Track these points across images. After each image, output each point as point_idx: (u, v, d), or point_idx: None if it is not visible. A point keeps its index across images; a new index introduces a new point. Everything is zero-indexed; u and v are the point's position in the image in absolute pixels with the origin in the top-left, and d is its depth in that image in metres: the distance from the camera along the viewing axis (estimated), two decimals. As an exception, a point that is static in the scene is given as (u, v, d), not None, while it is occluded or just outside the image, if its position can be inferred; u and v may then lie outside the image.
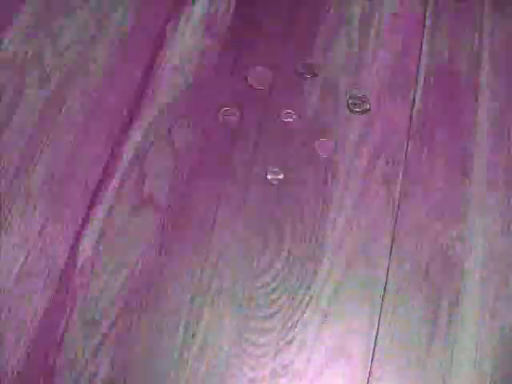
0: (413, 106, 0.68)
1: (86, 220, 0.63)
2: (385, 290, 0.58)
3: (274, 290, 0.59)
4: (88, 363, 0.56)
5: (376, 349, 0.56)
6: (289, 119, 0.68)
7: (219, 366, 0.56)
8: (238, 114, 0.69)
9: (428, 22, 0.74)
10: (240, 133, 0.67)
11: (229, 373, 0.55)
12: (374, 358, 0.56)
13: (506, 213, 0.62)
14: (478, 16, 0.74)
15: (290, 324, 0.57)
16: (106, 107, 0.70)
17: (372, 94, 0.69)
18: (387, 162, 0.65)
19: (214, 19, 0.76)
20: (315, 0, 0.76)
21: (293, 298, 0.58)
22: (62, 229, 0.62)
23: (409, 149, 0.66)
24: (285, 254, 0.60)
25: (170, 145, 0.67)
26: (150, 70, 0.72)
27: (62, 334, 0.57)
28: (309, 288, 0.59)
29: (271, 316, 0.58)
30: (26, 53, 0.73)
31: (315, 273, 0.59)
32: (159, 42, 0.74)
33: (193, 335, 0.57)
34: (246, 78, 0.71)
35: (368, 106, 0.67)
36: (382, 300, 0.58)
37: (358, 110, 0.66)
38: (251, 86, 0.70)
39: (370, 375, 0.55)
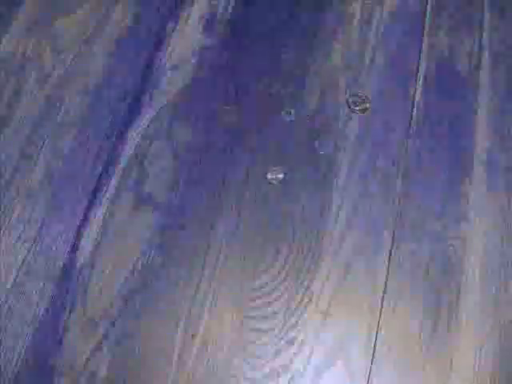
0: (413, 105, 0.68)
1: (85, 220, 0.63)
2: (385, 290, 0.58)
3: (273, 289, 0.59)
4: (88, 363, 0.56)
5: (376, 349, 0.56)
6: (289, 118, 0.68)
7: (219, 366, 0.56)
8: (238, 113, 0.68)
9: (428, 22, 0.74)
10: (240, 132, 0.67)
11: (229, 373, 0.55)
12: (374, 358, 0.56)
13: (506, 213, 0.62)
14: (478, 15, 0.74)
15: (289, 324, 0.57)
16: (106, 106, 0.70)
17: (372, 94, 0.69)
18: (387, 162, 0.65)
19: (213, 19, 0.76)
20: (315, -1, 0.76)
21: (292, 298, 0.58)
22: (62, 229, 0.62)
23: (409, 148, 0.66)
24: (284, 253, 0.60)
25: (169, 145, 0.67)
26: (149, 69, 0.72)
27: (62, 334, 0.57)
28: (309, 288, 0.59)
29: (271, 316, 0.58)
30: (25, 52, 0.73)
31: (315, 273, 0.59)
32: (159, 42, 0.74)
33: (192, 335, 0.57)
34: (246, 78, 0.71)
35: (368, 105, 0.67)
36: (382, 300, 0.58)
37: (358, 108, 0.66)
38: (251, 85, 0.70)
39: (369, 375, 0.55)
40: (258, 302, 0.58)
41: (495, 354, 0.55)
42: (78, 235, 0.62)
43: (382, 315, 0.57)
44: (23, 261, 0.61)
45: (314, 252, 0.60)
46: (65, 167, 0.66)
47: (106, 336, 0.57)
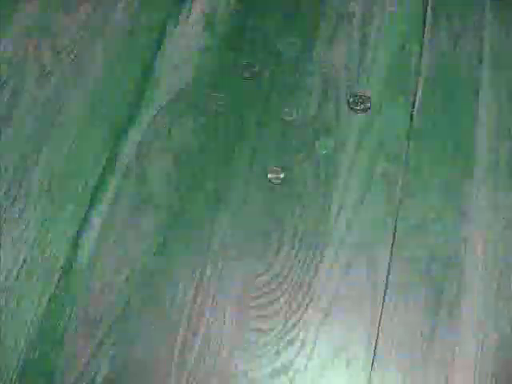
0: (413, 105, 0.68)
1: (85, 220, 0.63)
2: (385, 289, 0.58)
3: (274, 289, 0.59)
4: (88, 363, 0.56)
5: (376, 348, 0.56)
6: (289, 118, 0.68)
7: (219, 366, 0.56)
8: (238, 113, 0.68)
9: (428, 22, 0.74)
10: (240, 132, 0.67)
11: (229, 373, 0.55)
12: (375, 358, 0.56)
13: (507, 213, 0.62)
14: (478, 15, 0.74)
15: (290, 324, 0.57)
16: (106, 107, 0.70)
17: (372, 94, 0.69)
18: (387, 162, 0.65)
19: (213, 18, 0.76)
20: None
21: (293, 298, 0.58)
22: (62, 228, 0.62)
23: (409, 149, 0.66)
24: (285, 253, 0.60)
25: (169, 145, 0.67)
26: (149, 69, 0.72)
27: (62, 334, 0.57)
28: (309, 288, 0.59)
29: (271, 316, 0.58)
30: (25, 52, 0.73)
31: (315, 272, 0.59)
32: (159, 42, 0.74)
33: (193, 335, 0.57)
34: (246, 78, 0.71)
35: (369, 105, 0.67)
36: (383, 300, 0.58)
37: (358, 108, 0.66)
38: (251, 85, 0.70)
39: (370, 375, 0.55)
40: (259, 301, 0.58)
41: (496, 354, 0.55)
42: (78, 235, 0.62)
43: (383, 315, 0.57)
44: (23, 261, 0.60)
45: (314, 252, 0.60)
46: (65, 167, 0.66)
47: (106, 336, 0.57)
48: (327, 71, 0.71)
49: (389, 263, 0.60)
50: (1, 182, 0.65)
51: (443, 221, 0.62)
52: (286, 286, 0.59)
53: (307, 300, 0.58)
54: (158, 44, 0.74)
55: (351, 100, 0.66)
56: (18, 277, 0.60)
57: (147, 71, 0.72)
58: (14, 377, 0.55)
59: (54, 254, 0.61)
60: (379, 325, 0.57)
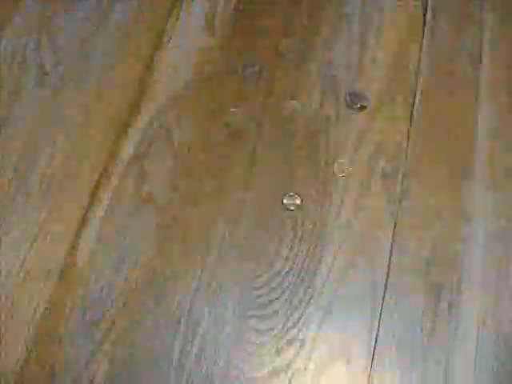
0: (413, 105, 0.68)
1: (85, 219, 0.63)
2: (385, 289, 0.58)
3: (273, 289, 0.59)
4: (88, 363, 0.56)
5: (376, 348, 0.56)
6: (289, 116, 0.68)
7: (219, 366, 0.56)
8: (238, 112, 0.68)
9: (428, 22, 0.74)
10: (240, 132, 0.67)
11: (229, 373, 0.55)
12: (375, 357, 0.56)
13: (507, 213, 0.62)
14: (478, 15, 0.74)
15: (290, 323, 0.57)
16: (106, 106, 0.70)
17: (372, 94, 0.69)
18: (387, 162, 0.65)
19: (214, 17, 0.76)
20: (315, -1, 0.76)
21: (293, 298, 0.58)
22: (62, 228, 0.62)
23: (409, 149, 0.66)
24: (285, 253, 0.60)
25: (169, 144, 0.67)
26: (149, 68, 0.72)
27: (62, 334, 0.57)
28: (309, 287, 0.59)
29: (271, 315, 0.58)
30: (25, 51, 0.73)
31: (315, 272, 0.59)
32: (159, 41, 0.74)
33: (192, 335, 0.57)
34: (246, 77, 0.71)
35: (366, 103, 0.67)
36: (382, 299, 0.58)
37: (355, 106, 0.66)
38: (251, 85, 0.70)
39: (370, 374, 0.55)
40: (259, 301, 0.58)
41: (496, 354, 0.55)
42: (78, 235, 0.62)
43: (383, 314, 0.57)
44: (23, 261, 0.60)
45: (314, 251, 0.60)
46: (65, 167, 0.66)
47: (106, 336, 0.57)
48: (327, 71, 0.71)
49: (388, 263, 0.60)
50: (0, 181, 0.65)
51: (443, 221, 0.62)
52: (285, 286, 0.59)
53: (307, 299, 0.58)
54: (159, 44, 0.74)
55: (348, 99, 0.66)
56: (17, 276, 0.60)
57: (147, 71, 0.72)
58: (14, 376, 0.55)
59: (54, 254, 0.61)
60: (379, 324, 0.57)
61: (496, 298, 0.58)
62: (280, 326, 0.57)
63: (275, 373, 0.55)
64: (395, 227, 0.61)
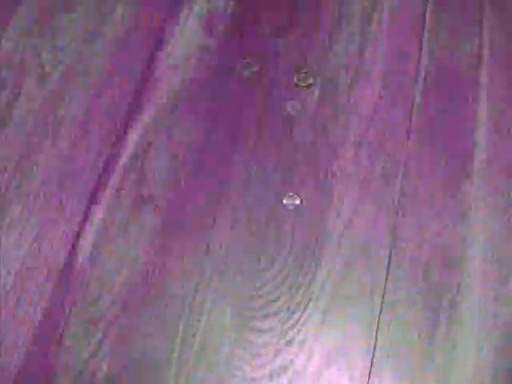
0: (413, 105, 0.68)
1: (85, 219, 0.63)
2: (385, 289, 0.58)
3: (273, 289, 0.59)
4: (88, 363, 0.56)
5: (376, 348, 0.56)
6: (289, 115, 0.68)
7: (219, 366, 0.56)
8: (237, 112, 0.68)
9: (428, 22, 0.74)
10: (240, 131, 0.67)
11: (229, 373, 0.55)
12: (374, 358, 0.56)
13: (506, 213, 0.62)
14: (477, 15, 0.74)
15: (289, 324, 0.57)
16: (106, 106, 0.70)
17: (372, 94, 0.69)
18: (387, 162, 0.65)
19: (213, 18, 0.76)
20: (315, -1, 0.76)
21: (292, 298, 0.58)
22: (62, 228, 0.62)
23: (409, 149, 0.66)
24: (284, 253, 0.60)
25: (169, 144, 0.67)
26: (149, 69, 0.72)
27: (62, 333, 0.57)
28: (309, 288, 0.59)
29: (271, 316, 0.58)
30: (25, 51, 0.73)
31: (315, 272, 0.59)
32: (158, 41, 0.74)
33: (193, 335, 0.57)
34: (246, 77, 0.71)
35: (312, 80, 0.67)
36: (382, 300, 0.58)
37: (303, 84, 0.66)
38: (251, 84, 0.70)
39: (369, 375, 0.55)
40: (258, 301, 0.58)
41: (495, 354, 0.55)
42: (78, 235, 0.62)
43: (382, 315, 0.57)
44: (23, 261, 0.60)
45: (314, 252, 0.60)
46: (65, 167, 0.66)
47: (106, 336, 0.57)
48: (327, 71, 0.71)
49: (388, 263, 0.60)
50: (1, 181, 0.65)
51: (443, 221, 0.62)
52: (285, 286, 0.59)
53: (306, 300, 0.58)
54: (158, 43, 0.74)
55: (296, 76, 0.66)
56: (17, 276, 0.60)
57: (147, 71, 0.72)
58: (14, 376, 0.55)
59: (54, 254, 0.61)
60: (378, 324, 0.57)
61: (496, 298, 0.58)
62: (280, 327, 0.57)
63: (275, 373, 0.55)
64: (395, 227, 0.61)
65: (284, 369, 0.56)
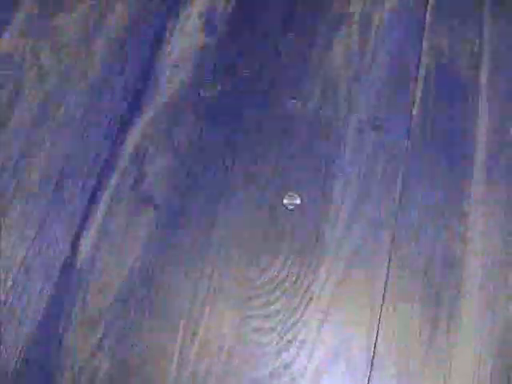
0: (413, 105, 0.68)
1: (85, 219, 0.63)
2: (385, 289, 0.58)
3: (273, 289, 0.59)
4: (88, 363, 0.56)
5: (376, 348, 0.56)
6: (289, 115, 0.68)
7: (219, 366, 0.56)
8: (237, 112, 0.68)
9: (428, 22, 0.74)
10: (240, 131, 0.67)
11: (229, 373, 0.55)
12: (374, 358, 0.56)
13: (506, 212, 0.62)
14: (478, 15, 0.74)
15: (290, 324, 0.57)
16: (105, 105, 0.69)
17: (372, 94, 0.69)
18: (387, 162, 0.65)
19: (213, 17, 0.75)
20: (315, -1, 0.76)
21: (293, 298, 0.58)
22: (62, 228, 0.62)
23: (409, 149, 0.66)
24: (285, 253, 0.60)
25: (169, 144, 0.67)
26: (149, 68, 0.72)
27: (62, 333, 0.57)
28: (309, 288, 0.59)
29: (271, 316, 0.58)
30: (24, 50, 0.73)
31: (315, 272, 0.59)
32: (159, 41, 0.74)
33: (193, 335, 0.57)
34: (246, 77, 0.71)
35: (256, 68, 0.66)
36: (382, 300, 0.58)
37: (246, 73, 0.66)
38: (251, 83, 0.70)
39: (370, 375, 0.55)
40: (259, 301, 0.58)
41: (495, 354, 0.56)
42: (78, 235, 0.62)
43: (382, 315, 0.57)
44: (23, 260, 0.60)
45: (314, 251, 0.60)
46: (65, 167, 0.66)
47: (106, 336, 0.57)
48: (327, 71, 0.71)
49: (388, 263, 0.60)
50: (0, 181, 0.64)
51: (443, 221, 0.62)
52: (285, 286, 0.59)
53: (307, 300, 0.58)
54: (158, 43, 0.74)
55: (239, 67, 0.65)
56: (17, 276, 0.60)
57: (147, 70, 0.72)
58: (15, 376, 0.55)
59: (54, 254, 0.61)
60: (378, 324, 0.57)
61: (496, 298, 0.58)
62: (280, 327, 0.57)
63: (276, 373, 0.55)
64: (395, 227, 0.62)
65: (284, 369, 0.56)
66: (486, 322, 0.57)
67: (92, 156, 0.66)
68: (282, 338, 0.57)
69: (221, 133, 0.67)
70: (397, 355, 0.56)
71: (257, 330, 0.57)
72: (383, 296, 0.58)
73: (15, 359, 0.56)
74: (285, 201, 0.63)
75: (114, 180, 0.65)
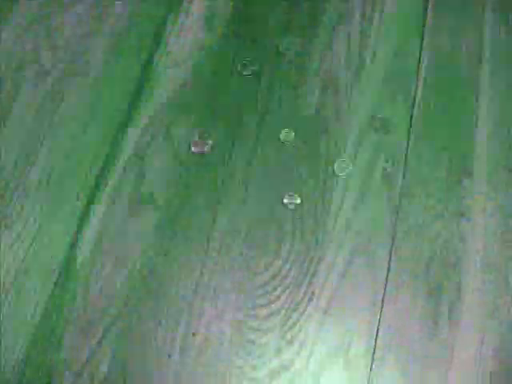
0: (413, 105, 0.68)
1: (84, 219, 0.63)
2: (385, 289, 0.58)
3: (273, 289, 0.59)
4: (87, 363, 0.56)
5: (376, 348, 0.56)
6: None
7: (219, 366, 0.56)
8: (237, 112, 0.68)
9: (428, 22, 0.74)
10: (240, 131, 0.67)
11: (229, 373, 0.55)
12: (375, 358, 0.56)
13: (506, 213, 0.62)
14: (478, 15, 0.74)
15: (290, 323, 0.57)
16: (105, 104, 0.69)
17: (372, 94, 0.69)
18: (387, 162, 0.65)
19: (213, 17, 0.75)
20: (315, -1, 0.76)
21: (293, 298, 0.58)
22: (61, 228, 0.62)
23: (409, 149, 0.66)
24: (285, 253, 0.60)
25: (169, 143, 0.67)
26: (149, 67, 0.72)
27: (62, 333, 0.57)
28: (309, 287, 0.59)
29: (271, 315, 0.58)
30: (24, 49, 0.73)
31: (315, 272, 0.59)
32: (158, 39, 0.74)
33: (193, 335, 0.57)
34: (246, 76, 0.71)
35: (255, 68, 0.67)
36: (382, 300, 0.58)
37: (246, 73, 0.66)
38: (251, 83, 0.70)
39: (370, 374, 0.55)
40: (259, 301, 0.58)
41: (495, 353, 0.56)
42: (78, 234, 0.62)
43: (383, 314, 0.57)
44: (23, 260, 0.60)
45: (314, 251, 0.60)
46: (64, 166, 0.66)
47: (106, 335, 0.57)
48: (327, 71, 0.71)
49: (388, 263, 0.60)
50: (0, 181, 0.64)
51: (443, 221, 0.62)
52: (285, 286, 0.59)
53: (307, 299, 0.58)
54: (158, 42, 0.74)
55: (239, 67, 0.65)
56: (17, 275, 0.60)
57: (147, 70, 0.71)
58: (14, 376, 0.55)
59: (53, 253, 0.61)
60: (379, 324, 0.57)
61: (496, 298, 0.58)
62: (280, 326, 0.57)
63: (276, 372, 0.55)
64: (395, 227, 0.62)
65: (284, 368, 0.56)
66: (486, 320, 0.57)
67: (92, 155, 0.66)
68: (281, 337, 0.57)
69: (221, 133, 0.67)
70: (397, 354, 0.56)
71: (257, 329, 0.57)
72: (383, 296, 0.58)
73: (15, 359, 0.56)
74: (285, 200, 0.63)
75: (113, 179, 0.65)
